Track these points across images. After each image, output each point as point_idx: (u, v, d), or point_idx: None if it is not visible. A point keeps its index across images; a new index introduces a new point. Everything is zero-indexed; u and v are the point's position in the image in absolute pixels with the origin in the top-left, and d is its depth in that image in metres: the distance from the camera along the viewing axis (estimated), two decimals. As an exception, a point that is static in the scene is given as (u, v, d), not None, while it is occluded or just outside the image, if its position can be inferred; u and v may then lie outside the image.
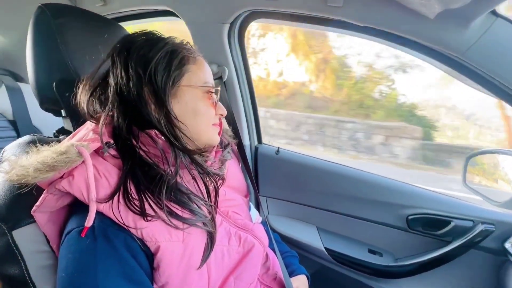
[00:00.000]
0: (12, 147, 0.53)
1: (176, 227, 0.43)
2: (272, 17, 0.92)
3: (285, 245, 0.81)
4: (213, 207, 0.51)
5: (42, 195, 0.42)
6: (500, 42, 0.61)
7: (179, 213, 0.45)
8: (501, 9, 0.58)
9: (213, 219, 0.49)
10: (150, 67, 0.46)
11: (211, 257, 0.47)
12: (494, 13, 0.59)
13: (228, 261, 0.51)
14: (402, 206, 0.92)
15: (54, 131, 0.65)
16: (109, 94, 0.47)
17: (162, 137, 0.47)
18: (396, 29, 0.70)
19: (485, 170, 0.87)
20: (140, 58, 0.47)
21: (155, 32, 0.52)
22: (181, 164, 0.47)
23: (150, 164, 0.45)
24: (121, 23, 0.72)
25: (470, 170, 0.86)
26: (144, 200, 0.42)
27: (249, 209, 0.67)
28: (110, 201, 0.41)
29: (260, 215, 0.74)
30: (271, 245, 0.68)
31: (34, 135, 0.56)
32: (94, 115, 0.49)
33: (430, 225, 0.89)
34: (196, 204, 0.47)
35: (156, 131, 0.47)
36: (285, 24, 0.92)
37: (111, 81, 0.47)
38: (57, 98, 0.58)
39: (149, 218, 0.42)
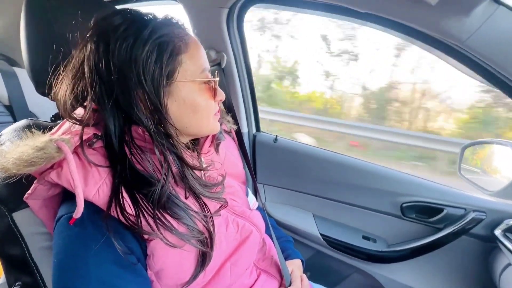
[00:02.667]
0: (9, 132, 0.53)
1: (174, 246, 0.41)
2: (271, 2, 0.90)
3: (281, 230, 0.82)
4: (211, 221, 0.47)
5: (33, 185, 0.41)
6: (501, 31, 0.60)
7: (176, 226, 0.42)
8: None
9: (211, 238, 0.46)
10: (137, 67, 0.40)
11: None
12: (496, 0, 0.58)
13: (225, 248, 0.51)
14: (396, 194, 0.94)
15: (51, 116, 0.64)
16: (89, 90, 0.41)
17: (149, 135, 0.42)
18: (397, 16, 0.69)
19: (480, 160, 0.89)
20: (123, 54, 0.40)
21: (134, 12, 0.44)
22: (174, 178, 0.45)
23: (144, 177, 0.42)
24: (117, 6, 0.70)
25: (465, 159, 0.88)
26: (141, 216, 0.39)
27: (247, 195, 0.68)
28: (100, 191, 0.39)
29: (257, 202, 0.75)
30: (268, 231, 0.69)
31: (31, 119, 0.56)
32: (74, 110, 0.45)
33: (423, 213, 0.91)
34: (191, 219, 0.44)
35: (143, 129, 0.42)
36: (284, 9, 0.90)
37: (91, 75, 0.41)
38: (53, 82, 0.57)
39: (146, 237, 0.40)
